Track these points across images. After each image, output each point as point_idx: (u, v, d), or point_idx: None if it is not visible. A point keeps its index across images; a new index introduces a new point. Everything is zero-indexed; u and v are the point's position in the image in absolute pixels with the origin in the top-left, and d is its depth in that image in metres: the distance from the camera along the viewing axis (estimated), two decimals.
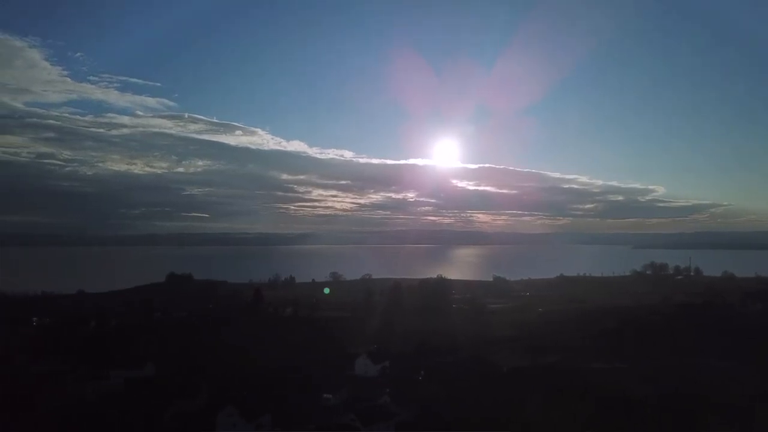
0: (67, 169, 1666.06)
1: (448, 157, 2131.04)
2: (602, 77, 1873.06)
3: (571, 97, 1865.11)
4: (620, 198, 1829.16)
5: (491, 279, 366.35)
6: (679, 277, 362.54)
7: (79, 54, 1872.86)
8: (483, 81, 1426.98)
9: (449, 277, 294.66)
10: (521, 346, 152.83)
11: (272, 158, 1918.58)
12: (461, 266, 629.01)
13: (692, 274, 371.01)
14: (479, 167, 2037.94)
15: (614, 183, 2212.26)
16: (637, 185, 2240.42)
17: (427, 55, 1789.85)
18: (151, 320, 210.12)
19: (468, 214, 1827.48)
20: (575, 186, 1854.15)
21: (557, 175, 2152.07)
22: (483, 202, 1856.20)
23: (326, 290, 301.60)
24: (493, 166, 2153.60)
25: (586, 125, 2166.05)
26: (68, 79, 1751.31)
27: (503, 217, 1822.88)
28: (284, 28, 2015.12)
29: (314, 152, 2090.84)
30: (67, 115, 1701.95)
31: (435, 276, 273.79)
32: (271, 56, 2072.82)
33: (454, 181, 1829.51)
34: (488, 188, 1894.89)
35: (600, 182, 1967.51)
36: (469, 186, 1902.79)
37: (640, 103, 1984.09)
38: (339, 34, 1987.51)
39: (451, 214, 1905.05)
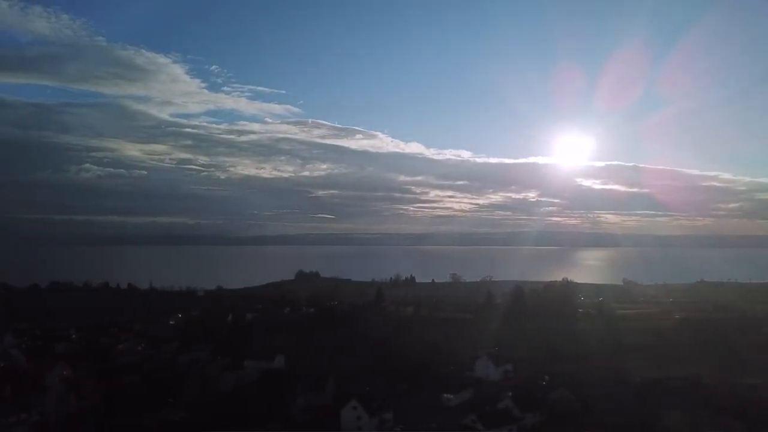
0: (204, 173, 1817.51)
1: (571, 155, 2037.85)
2: (744, 64, 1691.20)
3: (706, 86, 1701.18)
4: None
5: (621, 283, 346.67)
6: None
7: (214, 67, 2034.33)
8: (606, 75, 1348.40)
9: (575, 281, 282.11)
10: (656, 356, 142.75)
11: (390, 160, 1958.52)
12: (588, 269, 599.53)
13: None
14: (606, 165, 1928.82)
15: (764, 180, 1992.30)
16: None
17: (546, 50, 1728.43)
18: (282, 315, 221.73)
19: (595, 215, 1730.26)
20: (716, 184, 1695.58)
21: (695, 172, 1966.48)
22: (611, 202, 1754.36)
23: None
24: (622, 163, 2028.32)
25: (727, 117, 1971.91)
26: (205, 91, 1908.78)
27: (634, 218, 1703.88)
28: (402, 33, 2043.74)
29: (431, 153, 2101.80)
30: (204, 124, 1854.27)
31: (560, 279, 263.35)
32: (390, 60, 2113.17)
33: (579, 180, 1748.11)
34: (616, 187, 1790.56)
35: (746, 179, 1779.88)
36: (596, 185, 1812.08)
37: None
38: (455, 34, 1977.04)
39: (576, 215, 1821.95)
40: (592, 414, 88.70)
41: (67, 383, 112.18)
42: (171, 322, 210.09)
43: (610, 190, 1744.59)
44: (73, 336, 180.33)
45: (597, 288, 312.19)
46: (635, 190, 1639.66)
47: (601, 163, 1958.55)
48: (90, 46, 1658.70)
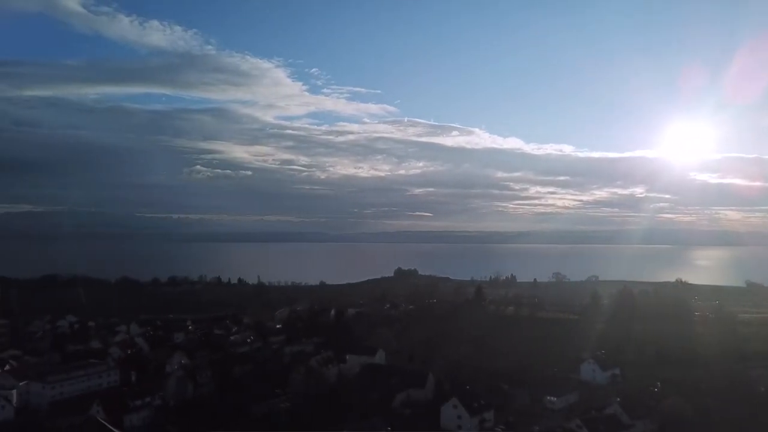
0: (304, 173, 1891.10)
1: (682, 148, 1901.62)
2: None
3: None
4: None
5: (744, 285, 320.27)
6: None
7: (314, 69, 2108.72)
8: (725, 66, 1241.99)
9: (690, 282, 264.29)
10: None
11: (486, 157, 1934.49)
12: (705, 270, 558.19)
13: None
14: (723, 157, 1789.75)
15: None
16: None
17: (651, 42, 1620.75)
18: (382, 311, 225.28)
19: (713, 211, 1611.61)
20: None
21: None
22: (731, 197, 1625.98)
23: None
24: (742, 155, 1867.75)
25: None
26: (306, 93, 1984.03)
27: (759, 215, 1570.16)
28: (499, 28, 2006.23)
29: (531, 148, 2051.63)
30: (305, 125, 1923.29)
31: (673, 280, 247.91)
32: (487, 56, 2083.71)
33: (692, 174, 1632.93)
34: (736, 181, 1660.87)
35: None
36: (712, 179, 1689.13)
37: None
38: (554, 25, 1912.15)
39: (690, 211, 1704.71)
40: (710, 424, 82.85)
41: (185, 371, 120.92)
42: (278, 322, 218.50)
43: (730, 184, 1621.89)
44: (190, 327, 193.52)
45: (715, 290, 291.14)
46: (759, 183, 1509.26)
47: (718, 156, 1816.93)
48: (200, 55, 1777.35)
